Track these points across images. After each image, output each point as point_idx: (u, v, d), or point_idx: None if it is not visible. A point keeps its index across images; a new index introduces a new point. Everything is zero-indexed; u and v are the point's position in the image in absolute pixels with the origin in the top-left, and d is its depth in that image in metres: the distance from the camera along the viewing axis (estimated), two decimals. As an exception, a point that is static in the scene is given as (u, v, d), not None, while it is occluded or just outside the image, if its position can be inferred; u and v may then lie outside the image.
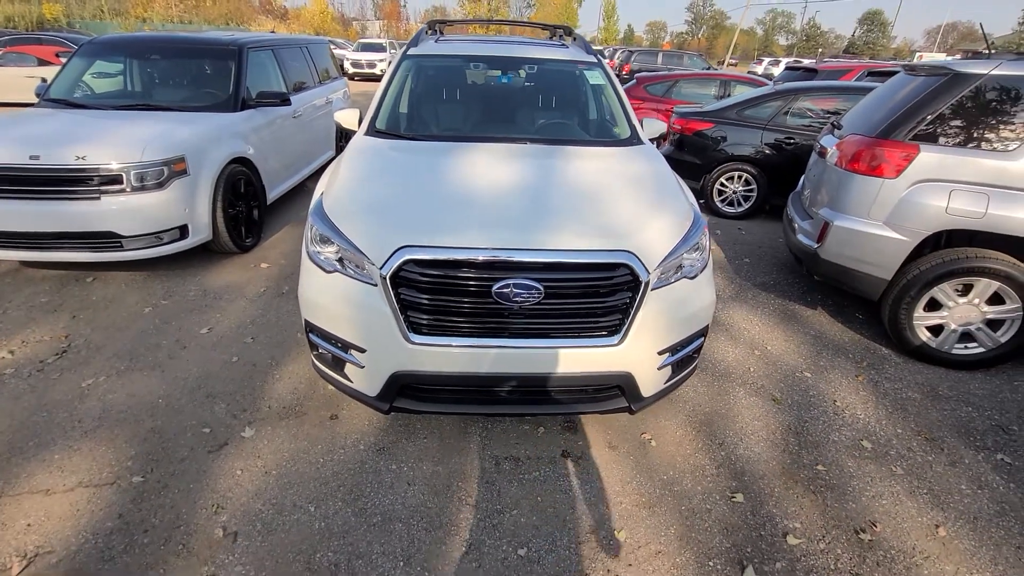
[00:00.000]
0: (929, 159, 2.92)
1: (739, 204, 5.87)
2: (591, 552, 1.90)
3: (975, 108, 2.90)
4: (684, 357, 2.22)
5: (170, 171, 3.51)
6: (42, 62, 10.56)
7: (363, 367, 2.02)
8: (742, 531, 2.01)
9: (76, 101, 4.27)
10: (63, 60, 4.67)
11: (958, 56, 3.39)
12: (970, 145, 2.88)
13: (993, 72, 2.86)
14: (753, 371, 3.03)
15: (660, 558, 1.89)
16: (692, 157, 5.95)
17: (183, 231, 3.70)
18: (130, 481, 2.09)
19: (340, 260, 2.02)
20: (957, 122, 2.92)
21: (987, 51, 3.21)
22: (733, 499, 2.15)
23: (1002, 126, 2.83)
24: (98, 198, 3.34)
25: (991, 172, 2.80)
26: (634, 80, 8.66)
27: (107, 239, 3.44)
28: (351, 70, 19.97)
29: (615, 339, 1.98)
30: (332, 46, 7.50)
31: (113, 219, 3.38)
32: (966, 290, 3.00)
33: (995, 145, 2.83)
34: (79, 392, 2.59)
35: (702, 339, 2.28)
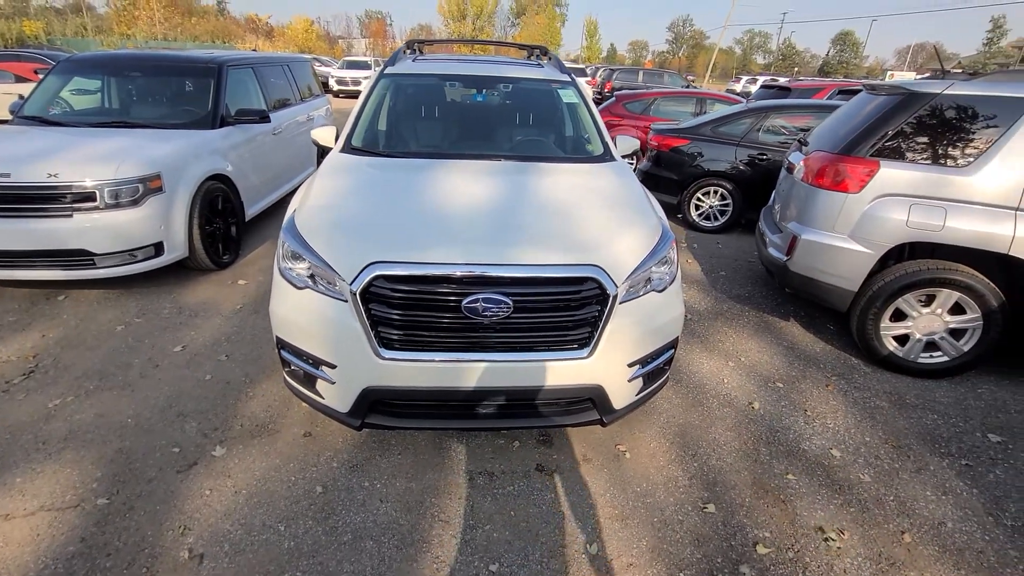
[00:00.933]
0: (889, 174, 3.03)
1: (716, 218, 5.99)
2: (562, 566, 1.90)
3: (930, 125, 3.02)
4: (655, 369, 2.25)
5: (145, 188, 3.49)
6: (20, 79, 10.46)
7: (334, 383, 2.02)
8: (713, 542, 2.03)
9: (51, 118, 4.24)
10: (41, 77, 4.64)
11: (927, 75, 3.54)
12: (927, 161, 3.00)
13: (946, 92, 2.99)
14: (727, 382, 3.08)
15: (631, 570, 1.90)
16: (669, 173, 6.07)
17: (158, 248, 3.67)
18: (95, 504, 2.05)
19: (311, 276, 2.03)
20: (914, 139, 3.05)
21: (941, 72, 3.36)
22: (705, 510, 2.17)
23: (956, 142, 2.96)
24: (70, 215, 3.31)
25: (947, 187, 2.92)
26: (613, 98, 8.85)
27: (79, 257, 3.39)
28: (336, 87, 20.08)
29: (585, 352, 2.01)
30: (317, 63, 7.55)
31: (85, 236, 3.34)
32: (929, 300, 3.09)
33: (950, 161, 2.95)
34: (45, 413, 2.53)
35: (672, 351, 2.32)
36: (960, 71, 3.40)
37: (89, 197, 3.33)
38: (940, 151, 2.98)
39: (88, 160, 3.42)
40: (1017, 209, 2.79)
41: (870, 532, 2.10)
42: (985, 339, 3.00)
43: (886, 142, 3.09)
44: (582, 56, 67.41)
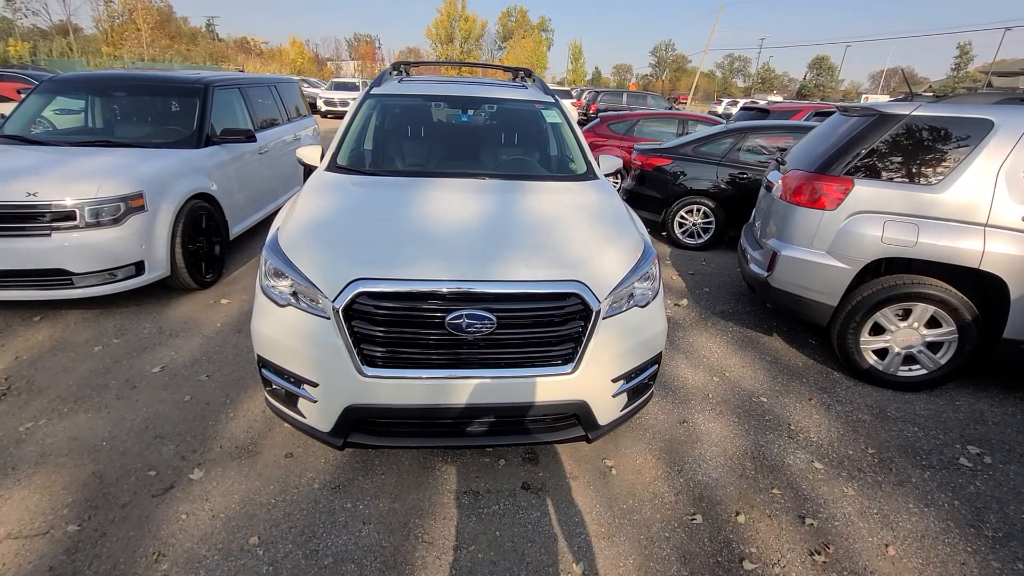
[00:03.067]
0: (863, 192, 3.12)
1: (699, 236, 6.09)
2: (549, 586, 1.87)
3: (901, 145, 3.13)
4: (639, 384, 2.26)
5: (127, 207, 3.46)
6: (2, 98, 10.37)
7: (316, 402, 1.99)
8: (699, 558, 2.01)
9: (32, 138, 4.21)
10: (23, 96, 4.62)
11: (900, 98, 3.67)
12: (898, 179, 3.10)
13: (914, 113, 3.11)
14: (712, 397, 3.09)
15: (618, 589, 1.87)
16: (653, 191, 6.18)
17: (139, 267, 3.62)
18: (65, 530, 1.98)
19: (294, 294, 2.01)
20: (886, 158, 3.15)
21: (909, 94, 3.49)
22: (691, 526, 2.16)
23: (926, 161, 3.06)
24: (49, 234, 3.26)
25: (919, 204, 3.01)
26: (598, 119, 9.03)
27: (57, 276, 3.34)
28: (324, 108, 20.21)
29: (569, 368, 2.01)
30: (305, 84, 7.61)
31: (64, 256, 3.29)
32: (906, 315, 3.15)
33: (921, 179, 3.05)
34: (15, 437, 2.46)
35: (656, 366, 2.33)
36: (931, 93, 3.54)
37: (69, 216, 3.29)
38: (911, 169, 3.08)
39: (69, 179, 3.38)
40: (986, 225, 2.88)
41: (855, 546, 2.10)
42: (961, 352, 3.06)
43: (859, 161, 3.18)
44: (568, 79, 68.81)
